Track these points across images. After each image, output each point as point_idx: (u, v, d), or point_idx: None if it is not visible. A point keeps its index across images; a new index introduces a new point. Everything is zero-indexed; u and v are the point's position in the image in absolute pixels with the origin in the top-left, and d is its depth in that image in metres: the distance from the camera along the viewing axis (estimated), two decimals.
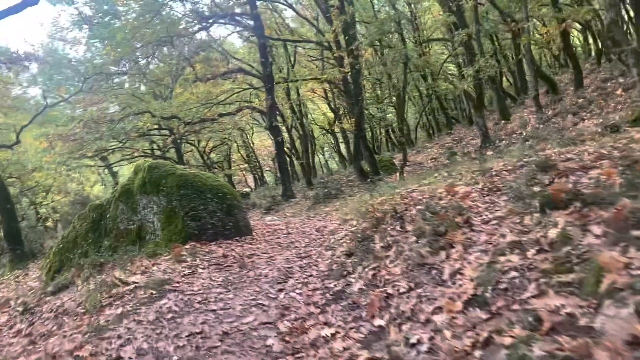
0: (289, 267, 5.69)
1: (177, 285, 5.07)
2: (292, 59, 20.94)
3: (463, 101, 35.87)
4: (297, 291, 4.81)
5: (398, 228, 5.17)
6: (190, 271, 5.59)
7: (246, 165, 37.79)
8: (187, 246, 6.72)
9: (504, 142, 13.57)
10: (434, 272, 4.01)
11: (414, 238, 4.73)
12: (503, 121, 18.44)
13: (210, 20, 15.94)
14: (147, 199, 7.50)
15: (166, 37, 14.76)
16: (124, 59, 18.16)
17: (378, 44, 23.18)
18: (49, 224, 30.71)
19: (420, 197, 6.08)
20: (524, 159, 7.04)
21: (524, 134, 13.40)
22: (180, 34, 15.30)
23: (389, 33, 17.24)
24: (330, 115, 31.92)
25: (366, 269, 4.69)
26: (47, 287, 6.71)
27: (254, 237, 7.48)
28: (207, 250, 6.52)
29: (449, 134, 24.59)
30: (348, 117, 29.47)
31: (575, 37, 24.86)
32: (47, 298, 6.27)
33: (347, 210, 10.67)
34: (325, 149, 41.60)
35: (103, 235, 7.90)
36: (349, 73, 16.40)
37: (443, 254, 4.17)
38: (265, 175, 39.01)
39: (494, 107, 26.26)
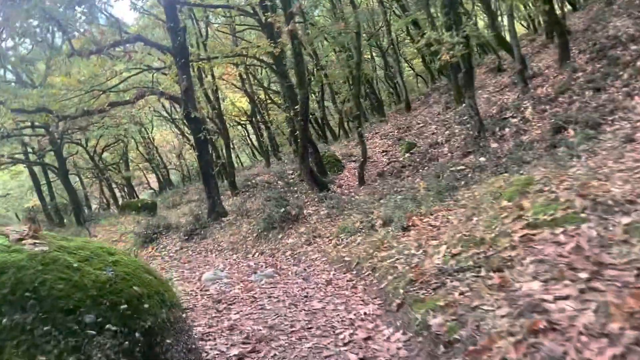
0: None
1: None
2: (203, 33, 15.72)
3: (376, 88, 32.68)
4: None
5: None
6: None
7: (147, 164, 31.44)
8: None
9: (507, 130, 9.87)
10: None
11: None
12: (461, 104, 15.05)
13: None
14: None
15: None
16: None
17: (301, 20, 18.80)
18: None
19: None
20: None
21: (530, 117, 9.84)
22: None
23: None
24: (242, 105, 26.90)
25: None
26: None
27: None
28: None
29: (384, 122, 20.90)
30: (265, 106, 24.76)
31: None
32: None
33: (351, 258, 6.21)
34: (235, 141, 36.61)
35: None
36: (288, 46, 11.88)
37: None
38: (170, 174, 32.86)
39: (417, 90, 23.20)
